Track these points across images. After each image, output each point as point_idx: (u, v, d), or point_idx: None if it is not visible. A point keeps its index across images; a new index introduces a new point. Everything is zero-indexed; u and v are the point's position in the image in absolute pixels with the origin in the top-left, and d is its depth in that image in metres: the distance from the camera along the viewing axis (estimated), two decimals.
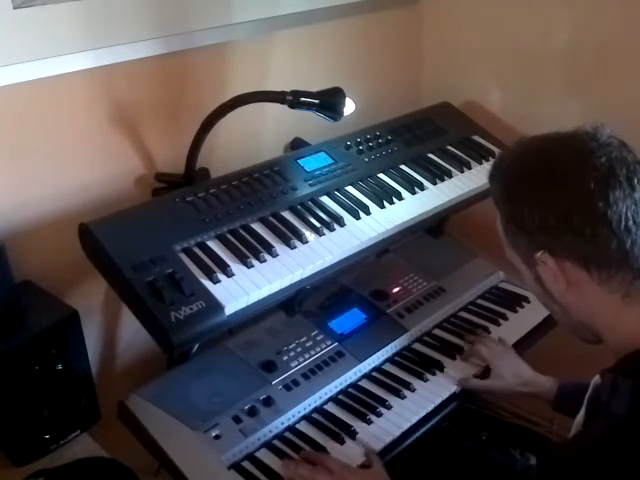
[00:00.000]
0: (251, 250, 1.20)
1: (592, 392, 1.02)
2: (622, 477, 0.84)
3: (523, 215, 0.93)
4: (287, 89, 1.29)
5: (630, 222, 0.88)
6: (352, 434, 1.23)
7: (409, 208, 1.41)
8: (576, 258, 0.91)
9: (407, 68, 1.95)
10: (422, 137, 1.62)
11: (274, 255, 1.20)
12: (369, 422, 1.25)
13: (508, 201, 0.98)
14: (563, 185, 0.90)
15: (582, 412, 1.04)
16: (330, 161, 1.45)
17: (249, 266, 1.17)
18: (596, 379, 1.01)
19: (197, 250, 1.18)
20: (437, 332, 1.51)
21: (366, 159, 1.49)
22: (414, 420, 1.27)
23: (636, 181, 0.89)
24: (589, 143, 0.92)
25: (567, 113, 1.70)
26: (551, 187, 0.91)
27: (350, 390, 1.34)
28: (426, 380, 1.36)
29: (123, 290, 1.12)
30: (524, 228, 0.94)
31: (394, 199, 1.41)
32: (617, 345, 0.94)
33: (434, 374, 1.38)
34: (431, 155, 1.59)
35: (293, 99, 1.28)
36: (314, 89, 1.31)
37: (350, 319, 1.48)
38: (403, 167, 1.52)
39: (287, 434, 1.23)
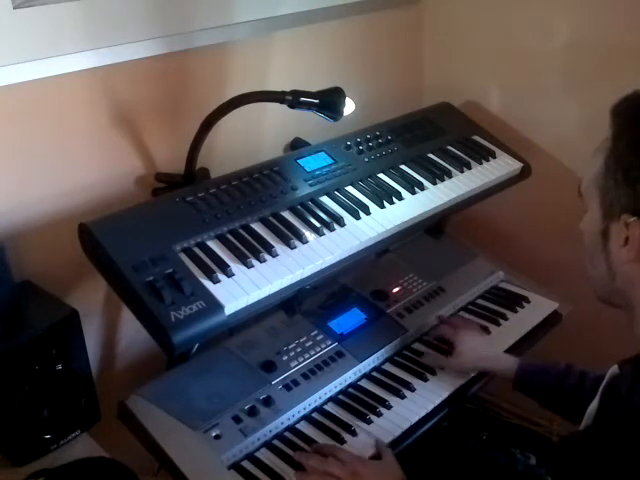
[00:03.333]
0: (251, 250, 1.20)
1: (607, 383, 1.01)
2: None
3: None
4: (287, 89, 1.29)
5: None
6: (352, 434, 1.23)
7: (409, 208, 1.40)
8: None
9: (407, 68, 1.95)
10: (422, 137, 1.62)
11: (274, 255, 1.20)
12: (369, 422, 1.26)
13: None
14: None
15: (595, 402, 1.03)
16: (330, 161, 1.45)
17: (249, 266, 1.17)
18: (613, 369, 1.00)
19: (197, 250, 1.18)
20: None
21: (366, 159, 1.49)
22: (414, 420, 1.27)
23: None
24: None
25: (567, 113, 1.70)
26: None
27: (350, 390, 1.34)
28: (426, 380, 1.36)
29: (123, 290, 1.12)
30: (637, 187, 0.84)
31: (394, 199, 1.41)
32: None
33: (434, 374, 1.38)
34: (431, 155, 1.59)
35: (293, 99, 1.28)
36: (314, 89, 1.31)
37: (350, 319, 1.48)
38: (403, 167, 1.52)
39: (287, 434, 1.23)
